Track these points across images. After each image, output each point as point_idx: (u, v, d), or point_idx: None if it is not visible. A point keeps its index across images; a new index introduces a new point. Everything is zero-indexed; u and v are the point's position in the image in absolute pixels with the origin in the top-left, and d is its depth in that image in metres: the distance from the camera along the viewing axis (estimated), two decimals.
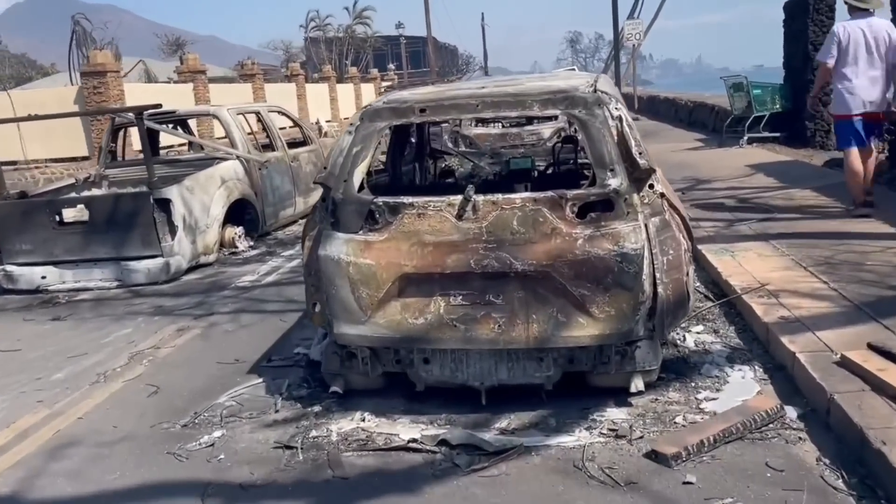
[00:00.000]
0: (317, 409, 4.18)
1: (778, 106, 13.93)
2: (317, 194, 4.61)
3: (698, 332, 4.90)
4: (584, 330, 3.73)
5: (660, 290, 3.79)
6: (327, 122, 27.88)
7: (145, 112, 8.12)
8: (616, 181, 3.73)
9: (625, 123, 3.85)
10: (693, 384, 4.14)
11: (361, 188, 4.01)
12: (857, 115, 6.97)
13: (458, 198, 3.77)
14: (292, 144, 10.93)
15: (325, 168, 4.09)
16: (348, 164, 4.00)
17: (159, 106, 8.25)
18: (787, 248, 6.21)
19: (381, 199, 3.91)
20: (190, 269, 7.99)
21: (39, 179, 14.16)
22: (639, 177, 3.81)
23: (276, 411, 4.24)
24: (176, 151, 13.06)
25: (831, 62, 7.02)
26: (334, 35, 46.87)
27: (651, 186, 3.89)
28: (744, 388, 4.05)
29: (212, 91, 20.97)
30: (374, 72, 39.35)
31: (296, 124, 11.74)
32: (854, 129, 7.01)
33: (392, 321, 3.87)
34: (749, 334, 4.79)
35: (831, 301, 4.81)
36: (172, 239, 7.71)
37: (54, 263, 7.87)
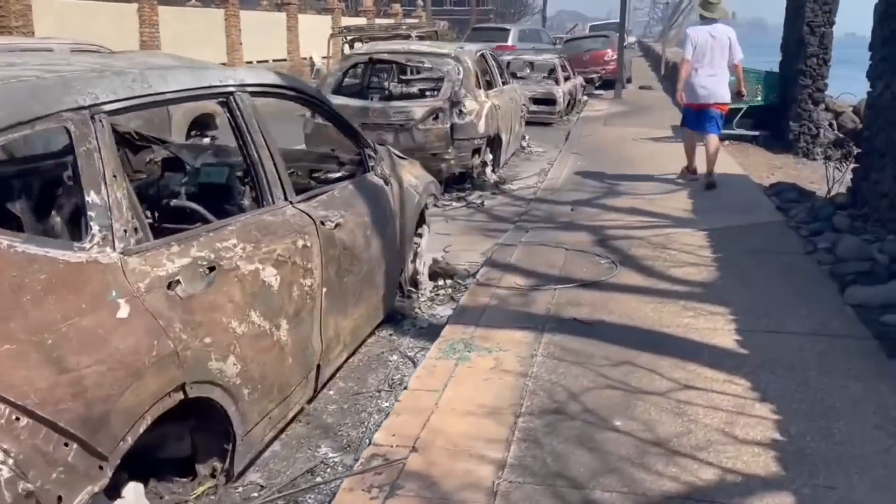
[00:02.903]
0: None
1: (760, 98, 11.26)
2: None
3: None
4: None
5: None
6: (323, 58, 25.41)
7: None
8: None
9: None
10: None
11: None
12: (694, 104, 8.01)
13: None
14: None
15: None
16: None
17: None
18: (546, 357, 3.97)
19: None
20: None
21: None
22: None
23: None
24: None
25: (689, 58, 7.87)
26: None
27: None
28: None
29: (163, 15, 18.86)
30: (396, 7, 36.38)
31: None
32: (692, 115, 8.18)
33: None
34: None
35: None
36: None
37: None
